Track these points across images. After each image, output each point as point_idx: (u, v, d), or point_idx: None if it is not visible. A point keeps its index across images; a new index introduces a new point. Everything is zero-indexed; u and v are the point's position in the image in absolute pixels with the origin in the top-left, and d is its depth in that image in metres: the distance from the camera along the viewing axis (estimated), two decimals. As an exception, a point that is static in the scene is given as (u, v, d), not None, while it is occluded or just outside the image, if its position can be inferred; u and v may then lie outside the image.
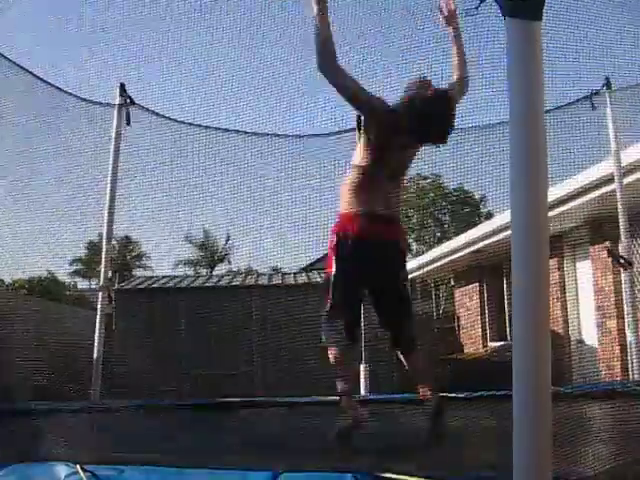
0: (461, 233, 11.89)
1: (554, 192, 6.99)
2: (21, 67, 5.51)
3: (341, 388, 3.01)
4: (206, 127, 6.35)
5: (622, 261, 5.81)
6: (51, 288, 14.54)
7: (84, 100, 6.01)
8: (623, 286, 6.05)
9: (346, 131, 5.80)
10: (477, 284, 12.04)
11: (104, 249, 5.90)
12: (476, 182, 6.64)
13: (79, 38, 5.25)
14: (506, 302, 10.61)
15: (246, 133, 6.52)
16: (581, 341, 8.78)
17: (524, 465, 1.60)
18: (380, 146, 2.95)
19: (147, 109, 6.18)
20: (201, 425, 4.14)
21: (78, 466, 2.19)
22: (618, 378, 6.92)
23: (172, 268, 12.44)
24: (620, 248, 5.97)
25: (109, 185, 5.85)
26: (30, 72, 5.55)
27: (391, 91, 3.14)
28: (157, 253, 7.21)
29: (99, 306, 5.70)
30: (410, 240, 21.46)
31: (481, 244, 10.19)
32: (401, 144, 2.97)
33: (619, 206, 5.98)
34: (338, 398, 3.00)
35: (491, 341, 11.33)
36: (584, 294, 8.67)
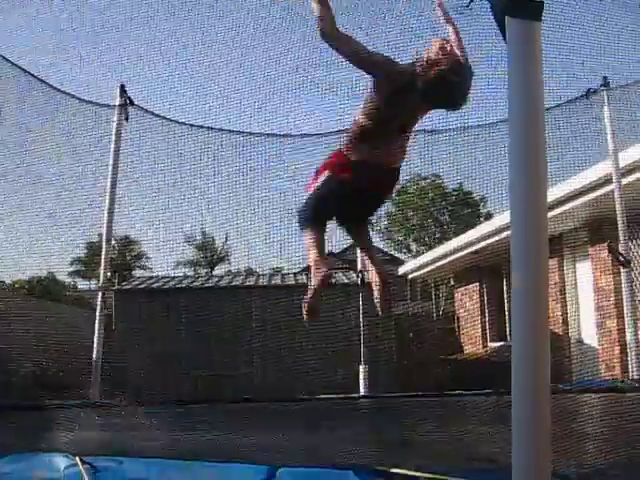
0: (461, 233, 11.89)
1: (553, 192, 7.00)
2: (21, 68, 5.52)
3: (313, 255, 3.05)
4: (208, 128, 6.36)
5: (621, 258, 5.82)
6: (51, 288, 14.53)
7: (84, 101, 6.02)
8: (623, 286, 6.05)
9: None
10: (477, 284, 12.04)
11: (104, 249, 5.91)
12: (476, 182, 6.65)
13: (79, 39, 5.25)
14: (506, 302, 10.61)
15: (246, 134, 6.53)
16: (581, 341, 8.78)
17: (523, 464, 1.60)
18: (388, 104, 2.89)
19: (146, 110, 6.19)
20: (201, 421, 4.14)
21: (77, 458, 2.20)
22: (618, 378, 6.93)
23: (172, 268, 12.42)
24: (619, 248, 5.97)
25: (109, 185, 5.86)
26: (30, 73, 5.56)
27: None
28: (156, 253, 7.20)
29: (98, 307, 5.71)
30: (410, 240, 21.49)
31: (481, 244, 10.19)
32: (412, 104, 2.91)
33: (617, 207, 5.98)
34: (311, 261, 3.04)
35: (491, 341, 11.33)
36: (584, 294, 8.67)
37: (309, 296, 2.95)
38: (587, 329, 8.65)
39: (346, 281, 9.56)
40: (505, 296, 10.65)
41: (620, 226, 5.96)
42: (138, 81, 5.93)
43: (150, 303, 9.45)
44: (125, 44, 5.24)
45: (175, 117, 6.34)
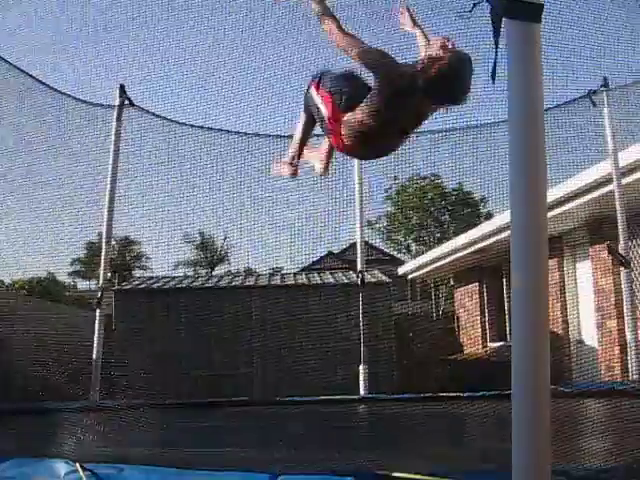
0: (461, 233, 11.89)
1: (553, 192, 7.00)
2: (21, 70, 5.52)
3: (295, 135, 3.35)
4: (208, 128, 6.36)
5: (621, 258, 5.83)
6: (51, 289, 14.53)
7: (84, 102, 6.03)
8: (623, 286, 6.05)
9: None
10: (477, 284, 12.04)
11: (104, 249, 5.91)
12: (476, 182, 6.66)
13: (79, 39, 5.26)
14: (506, 302, 10.61)
15: (246, 134, 6.54)
16: (581, 341, 8.78)
17: (523, 464, 1.60)
18: (389, 105, 2.87)
19: (146, 110, 6.19)
20: (200, 425, 4.14)
21: (78, 464, 2.20)
22: (618, 378, 6.93)
23: (172, 269, 12.42)
24: (619, 248, 5.98)
25: (109, 185, 5.86)
26: (29, 74, 5.56)
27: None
28: (156, 253, 7.21)
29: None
30: (410, 241, 21.48)
31: (481, 244, 10.19)
32: (413, 106, 2.90)
33: (617, 207, 5.99)
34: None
35: (491, 341, 11.33)
36: (584, 294, 8.67)
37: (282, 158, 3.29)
38: (587, 329, 8.65)
39: (346, 281, 9.56)
40: (505, 296, 10.65)
41: (620, 226, 5.96)
42: (139, 82, 5.94)
43: (150, 303, 9.44)
44: (124, 44, 5.25)
45: (175, 117, 6.36)
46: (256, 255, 7.07)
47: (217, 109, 6.13)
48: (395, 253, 20.97)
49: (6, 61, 5.41)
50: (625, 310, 6.08)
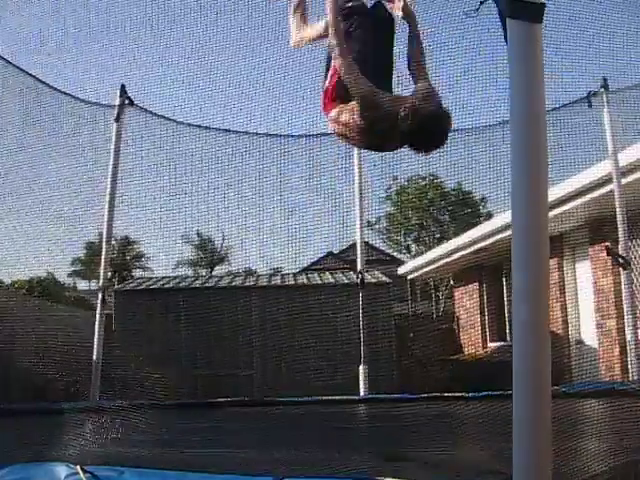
0: (461, 233, 11.89)
1: (554, 192, 6.99)
2: (21, 69, 5.52)
3: None
4: (209, 128, 6.36)
5: (620, 260, 5.83)
6: (50, 289, 14.51)
7: (84, 102, 6.03)
8: (622, 286, 6.05)
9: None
10: (477, 284, 12.04)
11: (104, 250, 5.91)
12: (475, 182, 6.66)
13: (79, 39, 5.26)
14: (506, 302, 10.60)
15: (245, 134, 6.54)
16: (581, 341, 8.78)
17: (524, 464, 1.60)
18: (367, 129, 2.91)
19: (146, 110, 6.19)
20: (200, 426, 4.14)
21: (78, 467, 2.19)
22: (618, 378, 6.93)
23: (172, 269, 12.42)
24: (619, 248, 5.98)
25: (109, 185, 5.86)
26: (33, 76, 5.57)
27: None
28: (156, 253, 7.21)
29: (98, 307, 5.71)
30: (410, 241, 21.48)
31: (481, 244, 10.19)
32: (390, 138, 2.94)
33: (617, 207, 5.99)
34: None
35: (491, 342, 11.32)
36: (584, 294, 8.67)
37: None
38: (587, 329, 8.65)
39: (346, 281, 9.56)
40: (505, 296, 10.64)
41: (620, 226, 5.96)
42: (139, 82, 5.94)
43: (150, 303, 9.44)
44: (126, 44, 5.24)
45: (174, 117, 6.36)
46: (256, 255, 7.07)
47: (217, 109, 6.13)
48: (395, 253, 20.97)
49: (5, 60, 5.41)
50: (625, 310, 6.08)
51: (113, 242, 7.22)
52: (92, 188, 6.19)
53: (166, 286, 10.12)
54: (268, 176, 6.53)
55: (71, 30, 5.06)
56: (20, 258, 6.30)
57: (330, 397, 5.47)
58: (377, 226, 19.38)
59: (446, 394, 5.14)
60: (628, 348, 6.05)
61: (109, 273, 6.09)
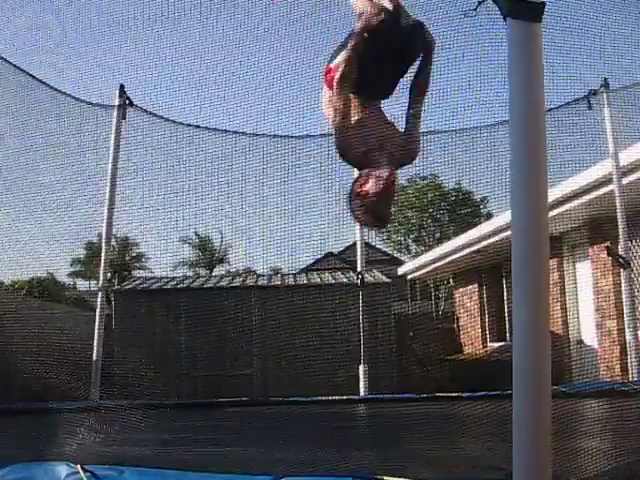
0: (461, 234, 11.89)
1: (554, 192, 6.99)
2: (21, 69, 5.52)
3: None
4: (209, 128, 6.36)
5: (621, 260, 5.83)
6: (50, 289, 14.52)
7: (83, 102, 6.02)
8: (622, 287, 6.05)
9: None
10: (477, 284, 12.03)
11: (104, 249, 5.91)
12: (475, 182, 6.65)
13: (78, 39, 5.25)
14: (506, 302, 10.60)
15: (246, 134, 6.54)
16: (581, 342, 8.78)
17: (524, 464, 1.60)
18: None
19: (145, 110, 6.19)
20: (200, 425, 4.14)
21: (79, 466, 2.20)
22: (618, 378, 6.93)
23: (172, 269, 12.42)
24: (619, 248, 5.98)
25: (109, 185, 5.86)
26: (29, 74, 5.56)
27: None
28: (156, 253, 7.21)
29: (98, 307, 5.71)
30: (410, 241, 21.48)
31: (481, 244, 10.19)
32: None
33: (618, 207, 5.99)
34: None
35: (491, 342, 11.32)
36: (584, 295, 8.66)
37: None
38: (587, 329, 8.65)
39: (346, 281, 9.56)
40: (505, 296, 10.64)
41: (620, 226, 5.96)
42: (139, 82, 5.94)
43: (150, 303, 9.44)
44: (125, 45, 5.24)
45: (174, 117, 6.36)
46: (256, 255, 7.06)
47: (215, 109, 6.13)
48: (395, 253, 20.97)
49: (5, 60, 5.41)
50: (625, 310, 6.08)
51: (113, 242, 7.22)
52: (92, 188, 6.20)
53: (166, 286, 10.12)
54: (268, 176, 6.53)
55: (71, 30, 5.06)
56: (20, 258, 6.30)
57: (330, 397, 5.47)
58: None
59: (446, 394, 5.15)
60: (628, 348, 6.05)
61: (109, 274, 6.08)
